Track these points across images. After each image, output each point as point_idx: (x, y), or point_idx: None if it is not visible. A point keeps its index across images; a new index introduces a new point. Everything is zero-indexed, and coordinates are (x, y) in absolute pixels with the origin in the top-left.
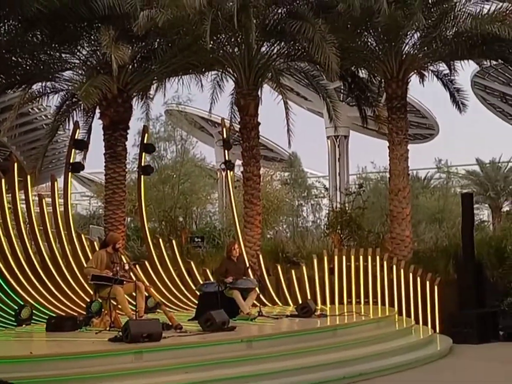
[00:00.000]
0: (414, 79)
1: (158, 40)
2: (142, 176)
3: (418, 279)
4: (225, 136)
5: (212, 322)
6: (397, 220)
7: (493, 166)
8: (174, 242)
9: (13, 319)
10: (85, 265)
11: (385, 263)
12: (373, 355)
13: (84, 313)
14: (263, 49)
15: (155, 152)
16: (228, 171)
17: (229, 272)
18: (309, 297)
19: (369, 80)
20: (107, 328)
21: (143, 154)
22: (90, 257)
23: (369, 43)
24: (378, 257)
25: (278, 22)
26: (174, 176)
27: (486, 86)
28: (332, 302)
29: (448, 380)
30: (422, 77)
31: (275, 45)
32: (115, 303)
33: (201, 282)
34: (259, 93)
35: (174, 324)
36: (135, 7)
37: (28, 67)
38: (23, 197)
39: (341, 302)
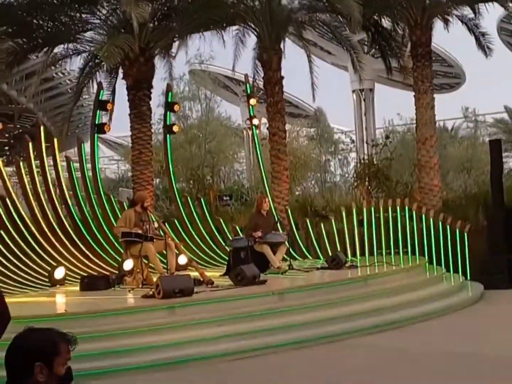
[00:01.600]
0: (439, 26)
1: None
2: (168, 135)
3: (448, 227)
4: (249, 91)
5: (243, 276)
6: (425, 169)
7: None
8: (202, 200)
9: (47, 280)
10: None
11: (414, 212)
12: (405, 304)
13: (117, 272)
14: (284, 1)
15: (180, 111)
16: (254, 126)
17: (259, 226)
18: (339, 249)
19: (393, 29)
20: (140, 286)
21: (168, 112)
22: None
23: None
24: (407, 207)
25: None
26: (200, 135)
27: None
28: (363, 253)
29: (481, 325)
30: (446, 22)
31: None
32: (146, 261)
33: (231, 238)
34: (282, 47)
35: (206, 279)
36: None
37: (49, 29)
38: (51, 163)
39: (371, 253)
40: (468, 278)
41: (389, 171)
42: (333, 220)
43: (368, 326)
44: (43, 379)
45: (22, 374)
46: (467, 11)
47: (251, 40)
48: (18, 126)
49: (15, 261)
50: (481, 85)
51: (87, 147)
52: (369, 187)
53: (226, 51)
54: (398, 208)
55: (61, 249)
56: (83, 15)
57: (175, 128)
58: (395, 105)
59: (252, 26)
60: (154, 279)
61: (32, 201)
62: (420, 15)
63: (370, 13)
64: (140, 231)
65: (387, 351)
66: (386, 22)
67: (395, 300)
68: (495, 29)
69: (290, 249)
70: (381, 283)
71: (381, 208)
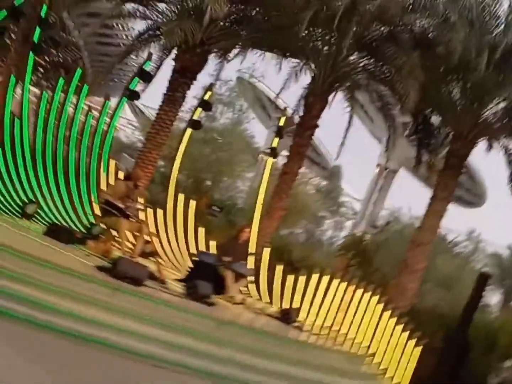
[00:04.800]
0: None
1: (257, 9)
2: (189, 129)
3: (405, 333)
4: (281, 124)
5: (194, 291)
6: (408, 270)
7: None
8: (193, 202)
9: (20, 210)
10: (103, 188)
11: (380, 306)
12: None
13: (84, 231)
14: (351, 57)
15: (210, 111)
16: (271, 158)
17: (231, 252)
18: (296, 306)
19: (438, 128)
20: (99, 255)
21: (199, 109)
22: (110, 182)
23: (452, 94)
24: (373, 298)
25: (375, 39)
26: (219, 141)
27: None
28: (315, 320)
29: None
30: (490, 146)
31: (364, 59)
32: (114, 235)
33: (202, 249)
34: (330, 97)
35: (161, 277)
36: None
37: None
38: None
39: (322, 324)
40: None
41: (375, 255)
42: (303, 277)
43: None
44: None
45: None
46: None
47: (305, 78)
48: (60, 55)
49: None
50: (496, 213)
51: (113, 102)
52: (349, 262)
53: (277, 76)
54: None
55: (43, 185)
56: None
57: (198, 127)
58: (409, 194)
59: (312, 66)
60: (114, 256)
61: (39, 130)
62: (468, 129)
63: (424, 105)
64: (121, 205)
65: None
66: (434, 118)
67: (322, 378)
68: None
69: (252, 286)
70: (315, 356)
71: (350, 287)
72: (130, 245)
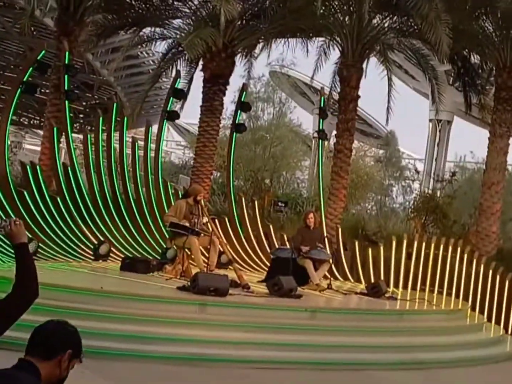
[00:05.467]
0: None
1: None
2: (234, 134)
3: (498, 277)
4: (322, 105)
5: (280, 287)
6: (486, 214)
7: None
8: (256, 202)
9: (92, 253)
10: (167, 211)
11: (465, 255)
12: (437, 346)
13: (158, 258)
14: (374, 21)
15: (251, 111)
16: (321, 141)
17: (305, 240)
18: (382, 278)
19: (480, 66)
20: (178, 277)
21: (239, 111)
22: (171, 204)
23: (485, 28)
24: (459, 249)
25: None
26: (268, 138)
27: None
28: (405, 287)
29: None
30: None
31: (387, 18)
32: (189, 253)
33: (277, 246)
34: (364, 65)
35: (243, 283)
36: None
37: (140, 11)
38: (118, 137)
39: (414, 288)
40: (509, 332)
41: (449, 209)
42: (381, 247)
43: (394, 361)
44: (65, 365)
45: (52, 351)
46: None
47: (334, 53)
48: (95, 96)
49: (65, 228)
50: None
51: (156, 129)
52: (425, 222)
53: (307, 59)
54: (450, 248)
55: (110, 224)
56: (175, 2)
57: (242, 129)
58: (470, 141)
59: (338, 40)
60: (193, 273)
61: (92, 173)
62: (510, 59)
63: (460, 47)
64: (187, 224)
65: None
66: (474, 58)
67: (428, 341)
68: None
69: (333, 268)
70: (417, 320)
71: (432, 245)
72: (205, 260)
